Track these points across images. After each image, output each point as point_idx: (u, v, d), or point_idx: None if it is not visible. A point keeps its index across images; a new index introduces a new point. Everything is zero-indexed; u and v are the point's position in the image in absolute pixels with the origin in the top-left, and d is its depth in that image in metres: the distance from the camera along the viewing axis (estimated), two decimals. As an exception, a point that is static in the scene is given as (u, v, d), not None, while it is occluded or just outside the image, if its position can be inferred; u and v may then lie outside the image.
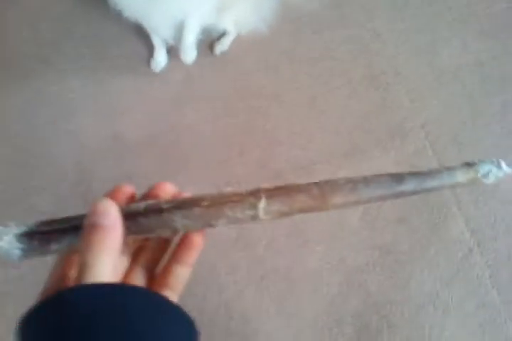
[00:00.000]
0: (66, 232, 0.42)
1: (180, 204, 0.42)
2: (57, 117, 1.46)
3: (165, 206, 0.42)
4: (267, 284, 1.32)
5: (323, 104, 1.53)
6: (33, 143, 1.44)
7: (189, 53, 1.47)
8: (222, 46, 1.53)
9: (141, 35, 1.53)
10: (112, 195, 0.44)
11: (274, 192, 0.44)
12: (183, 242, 0.45)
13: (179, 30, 1.37)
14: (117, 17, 1.33)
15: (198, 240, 0.45)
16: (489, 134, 1.53)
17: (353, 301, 1.33)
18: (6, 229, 0.41)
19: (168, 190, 0.46)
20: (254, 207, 0.42)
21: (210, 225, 0.43)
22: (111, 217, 0.40)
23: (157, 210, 0.42)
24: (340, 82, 1.56)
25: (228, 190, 0.43)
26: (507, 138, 1.53)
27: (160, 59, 1.50)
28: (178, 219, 0.42)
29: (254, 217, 0.43)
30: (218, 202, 0.42)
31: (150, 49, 1.52)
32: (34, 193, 1.37)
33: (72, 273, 0.42)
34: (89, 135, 1.43)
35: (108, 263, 0.39)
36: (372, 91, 1.56)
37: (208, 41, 1.54)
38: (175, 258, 0.46)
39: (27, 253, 0.42)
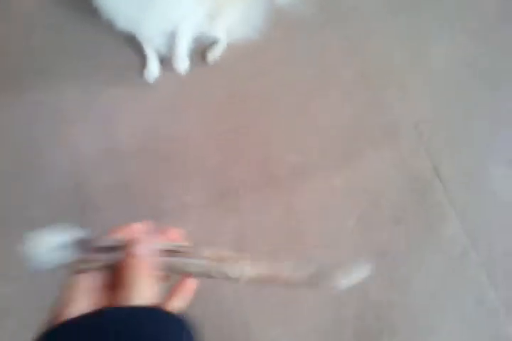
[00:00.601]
0: (104, 252, 0.45)
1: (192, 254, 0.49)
2: (55, 128, 1.48)
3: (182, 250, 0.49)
4: (268, 291, 1.33)
5: (316, 107, 1.54)
6: (32, 155, 1.45)
7: (182, 62, 1.49)
8: (214, 54, 1.54)
9: (134, 45, 1.54)
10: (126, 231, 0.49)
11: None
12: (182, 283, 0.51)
13: (171, 40, 1.39)
14: (110, 28, 1.34)
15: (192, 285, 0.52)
16: (481, 132, 1.55)
17: (352, 303, 1.34)
18: (49, 236, 0.43)
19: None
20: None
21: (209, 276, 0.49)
22: (151, 249, 0.46)
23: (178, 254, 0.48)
24: (333, 84, 1.58)
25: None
26: (499, 135, 1.55)
27: (153, 69, 1.52)
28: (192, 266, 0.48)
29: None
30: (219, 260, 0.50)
31: (143, 59, 1.54)
32: (33, 204, 1.38)
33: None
34: (86, 145, 1.45)
35: (148, 285, 0.44)
36: (365, 91, 1.57)
37: (200, 50, 1.55)
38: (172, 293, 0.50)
39: (58, 263, 0.44)
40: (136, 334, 0.40)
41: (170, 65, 1.52)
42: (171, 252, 0.48)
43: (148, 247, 0.46)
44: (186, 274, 0.49)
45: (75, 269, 0.45)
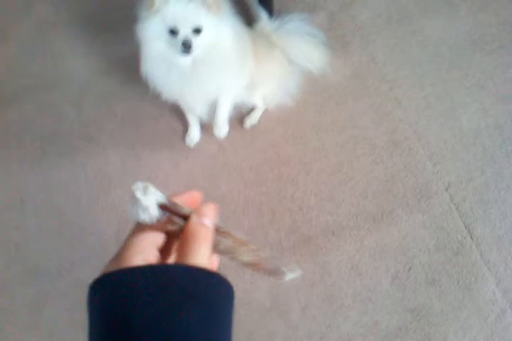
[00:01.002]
0: (179, 218, 0.50)
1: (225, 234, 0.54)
2: (99, 191, 1.58)
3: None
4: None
5: (350, 171, 1.60)
6: (77, 216, 1.54)
7: (222, 128, 1.58)
8: (252, 120, 1.64)
9: (176, 112, 1.65)
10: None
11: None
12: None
13: (213, 108, 1.49)
14: (156, 97, 1.45)
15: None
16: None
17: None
18: (154, 192, 0.47)
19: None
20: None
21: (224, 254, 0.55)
22: (213, 221, 0.50)
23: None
24: (365, 148, 1.64)
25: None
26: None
27: (194, 134, 1.62)
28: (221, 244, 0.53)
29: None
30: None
31: (184, 125, 1.65)
32: (79, 265, 1.46)
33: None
34: (127, 207, 1.52)
35: (208, 255, 0.48)
36: (396, 156, 1.63)
37: (239, 116, 1.65)
38: None
39: (151, 219, 0.48)
40: (199, 292, 0.44)
41: (210, 130, 1.61)
42: (218, 232, 0.52)
43: (213, 221, 0.50)
44: (217, 250, 0.53)
45: (158, 228, 0.49)
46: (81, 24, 1.88)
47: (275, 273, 0.59)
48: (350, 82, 1.74)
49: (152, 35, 1.25)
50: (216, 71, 1.32)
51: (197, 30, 1.23)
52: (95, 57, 1.81)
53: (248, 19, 1.64)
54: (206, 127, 1.64)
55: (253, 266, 0.57)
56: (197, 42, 1.23)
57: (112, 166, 1.61)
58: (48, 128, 1.71)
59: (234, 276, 1.40)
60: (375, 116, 1.70)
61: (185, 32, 1.22)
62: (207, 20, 1.23)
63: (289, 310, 1.40)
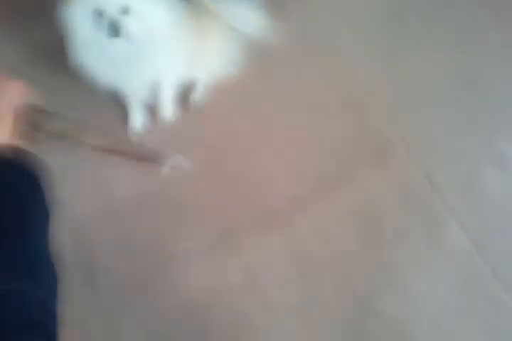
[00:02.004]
0: None
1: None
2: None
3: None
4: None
5: (304, 136, 1.57)
6: None
7: (167, 111, 1.50)
8: (196, 96, 1.56)
9: (116, 99, 1.53)
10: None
11: None
12: None
13: (154, 90, 1.40)
14: (89, 86, 1.34)
15: None
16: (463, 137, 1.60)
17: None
18: None
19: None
20: None
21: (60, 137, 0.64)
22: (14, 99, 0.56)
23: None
24: (316, 110, 1.60)
25: None
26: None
27: (138, 120, 1.53)
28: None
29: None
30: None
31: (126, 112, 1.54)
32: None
33: None
34: (80, 204, 1.44)
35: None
36: (348, 114, 1.61)
37: (181, 93, 1.55)
38: None
39: None
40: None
41: (154, 114, 1.53)
42: (38, 111, 0.58)
43: (14, 99, 0.54)
44: (47, 133, 0.60)
45: None
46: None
47: (152, 159, 0.67)
48: (294, 43, 1.67)
49: (76, 19, 1.14)
50: (153, 52, 1.22)
51: (124, 10, 1.13)
52: (16, 44, 1.66)
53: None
54: (150, 111, 1.55)
55: (109, 150, 0.64)
56: (126, 23, 1.13)
57: (55, 165, 1.47)
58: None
59: (200, 262, 1.39)
60: (323, 74, 1.65)
61: (110, 13, 1.12)
62: (136, -1, 1.12)
63: (265, 287, 1.39)
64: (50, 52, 1.57)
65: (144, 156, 0.65)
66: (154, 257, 1.41)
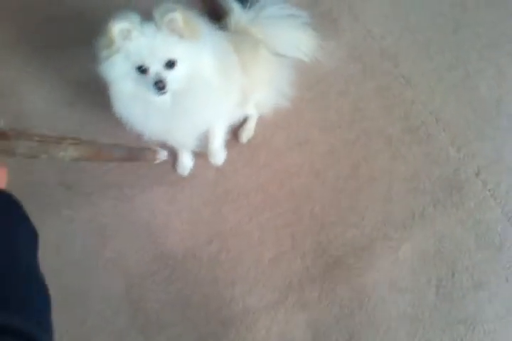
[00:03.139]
0: None
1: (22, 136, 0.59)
2: (94, 245, 1.36)
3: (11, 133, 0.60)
4: None
5: (367, 172, 1.42)
6: (74, 279, 1.32)
7: (218, 155, 1.37)
8: (247, 133, 1.43)
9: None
10: None
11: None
12: None
13: (204, 137, 1.28)
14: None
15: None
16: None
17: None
18: None
19: None
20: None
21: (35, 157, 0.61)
22: None
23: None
24: (379, 142, 1.45)
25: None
26: None
27: (186, 161, 1.40)
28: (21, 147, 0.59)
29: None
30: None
31: (172, 152, 1.38)
32: (93, 335, 1.27)
33: None
34: (131, 259, 1.34)
35: None
36: (415, 146, 1.45)
37: (232, 130, 1.41)
38: None
39: None
40: None
41: (203, 154, 1.39)
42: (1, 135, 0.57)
43: None
44: (15, 155, 0.57)
45: None
46: (25, 47, 1.58)
47: (137, 157, 0.72)
48: (347, 65, 1.51)
49: (118, 75, 1.02)
50: (201, 102, 1.09)
51: (170, 64, 1.00)
52: (50, 85, 1.53)
53: (218, 14, 1.40)
54: (199, 150, 1.40)
55: (89, 158, 0.66)
56: (172, 77, 1.01)
57: (103, 215, 1.38)
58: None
59: (264, 320, 1.28)
60: (384, 101, 1.50)
61: (155, 68, 0.99)
62: (181, 50, 0.99)
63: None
64: (88, 91, 1.45)
65: (129, 157, 0.70)
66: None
